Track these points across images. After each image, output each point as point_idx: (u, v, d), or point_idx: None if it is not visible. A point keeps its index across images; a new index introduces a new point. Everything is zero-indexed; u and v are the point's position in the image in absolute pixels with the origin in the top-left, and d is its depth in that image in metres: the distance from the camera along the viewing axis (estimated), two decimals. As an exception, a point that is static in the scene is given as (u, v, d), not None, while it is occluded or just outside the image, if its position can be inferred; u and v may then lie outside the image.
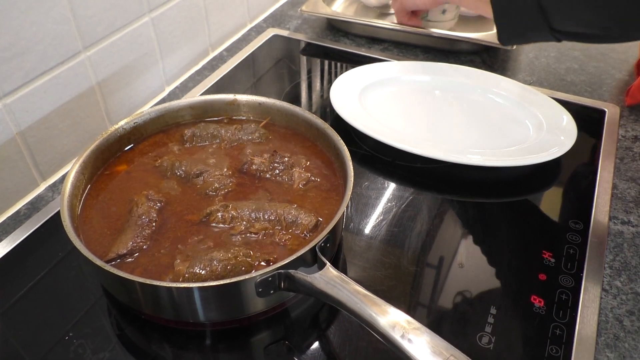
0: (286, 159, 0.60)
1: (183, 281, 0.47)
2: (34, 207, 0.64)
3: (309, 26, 1.00)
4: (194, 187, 0.58)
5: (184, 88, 0.84)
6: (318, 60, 0.92)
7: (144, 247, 0.51)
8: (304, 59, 0.93)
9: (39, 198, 0.65)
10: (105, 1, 0.66)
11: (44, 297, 0.53)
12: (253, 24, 1.01)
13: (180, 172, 0.59)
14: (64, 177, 0.68)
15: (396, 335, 0.39)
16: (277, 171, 0.59)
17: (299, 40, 0.96)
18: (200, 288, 0.44)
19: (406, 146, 0.66)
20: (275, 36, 0.97)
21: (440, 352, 0.39)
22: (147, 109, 0.63)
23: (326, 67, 0.90)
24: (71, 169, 0.54)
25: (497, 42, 0.73)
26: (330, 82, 0.85)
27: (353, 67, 0.82)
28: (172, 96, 0.82)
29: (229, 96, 0.66)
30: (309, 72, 0.89)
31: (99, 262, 0.45)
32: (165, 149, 0.63)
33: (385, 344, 0.40)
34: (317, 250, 0.47)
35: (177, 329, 0.51)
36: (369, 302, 0.42)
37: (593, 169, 0.68)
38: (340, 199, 0.56)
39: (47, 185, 0.66)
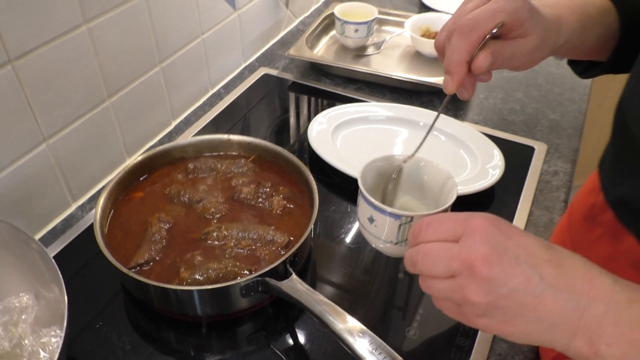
0: (267, 189, 0.76)
1: (186, 285, 0.63)
2: (67, 223, 0.80)
3: (295, 66, 1.17)
4: (195, 211, 0.74)
5: (188, 122, 1.00)
6: (302, 97, 1.09)
7: (157, 258, 0.67)
8: (290, 95, 1.10)
9: (70, 216, 0.81)
10: (125, 57, 0.82)
11: (77, 293, 0.69)
12: (247, 63, 1.17)
13: (185, 198, 0.75)
14: (91, 199, 0.84)
15: (342, 332, 0.55)
16: (260, 199, 0.75)
17: (286, 80, 1.12)
18: (198, 290, 0.60)
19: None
20: (265, 75, 1.13)
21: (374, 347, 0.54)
22: (159, 147, 0.80)
23: (309, 103, 1.07)
24: (100, 197, 0.70)
25: None
26: (310, 118, 1.02)
27: (331, 103, 0.99)
28: (177, 129, 0.99)
29: (224, 136, 0.82)
30: (296, 107, 1.06)
31: (124, 270, 0.61)
32: (172, 179, 0.79)
33: (334, 337, 0.57)
34: (287, 263, 0.63)
35: (180, 320, 0.67)
36: (320, 301, 0.58)
37: (517, 199, 0.84)
38: (308, 222, 0.72)
39: (77, 205, 0.83)
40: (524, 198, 0.84)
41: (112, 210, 0.73)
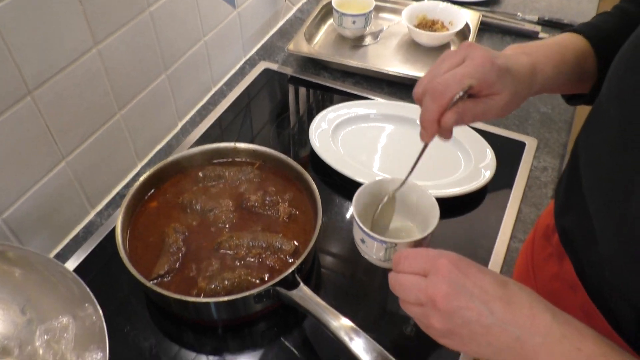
0: (273, 197, 0.81)
1: (205, 294, 0.70)
2: (87, 230, 0.86)
3: (294, 58, 1.20)
4: (207, 220, 0.80)
5: (193, 122, 1.05)
6: (302, 91, 1.13)
7: (176, 268, 0.74)
8: (291, 89, 1.13)
9: (90, 223, 0.87)
10: (133, 71, 0.86)
11: (103, 299, 0.76)
12: (247, 57, 1.20)
13: (197, 207, 0.81)
14: (107, 205, 0.89)
15: (342, 335, 0.62)
16: (267, 207, 0.81)
17: (285, 74, 1.16)
18: (215, 302, 0.67)
19: (363, 180, 0.88)
20: (266, 69, 1.17)
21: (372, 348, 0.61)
22: (170, 158, 0.84)
23: (309, 98, 1.11)
24: (119, 212, 0.76)
25: None
26: (310, 113, 1.06)
27: (330, 97, 1.03)
28: (184, 130, 1.03)
29: (230, 144, 0.87)
30: (297, 102, 1.10)
31: (148, 284, 0.68)
32: (183, 188, 0.84)
33: (334, 339, 0.64)
34: (295, 273, 0.70)
35: (197, 324, 0.74)
36: (326, 311, 0.65)
37: (507, 196, 0.90)
38: (313, 229, 0.78)
39: (95, 212, 0.88)
40: (514, 195, 0.90)
41: (130, 223, 0.79)
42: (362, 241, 0.64)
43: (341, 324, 0.63)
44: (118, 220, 0.75)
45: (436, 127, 0.54)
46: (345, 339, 0.62)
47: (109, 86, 0.82)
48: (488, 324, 0.45)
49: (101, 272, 0.80)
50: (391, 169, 0.93)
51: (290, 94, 1.13)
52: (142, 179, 0.81)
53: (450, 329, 0.47)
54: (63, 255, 0.82)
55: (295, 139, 1.03)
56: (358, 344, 0.62)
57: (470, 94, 0.53)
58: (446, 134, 0.55)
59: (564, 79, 0.59)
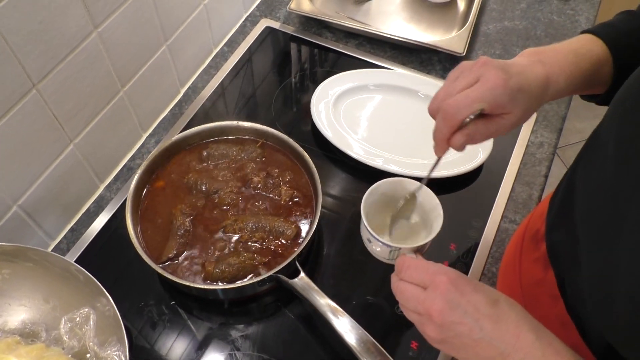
0: (275, 179, 0.84)
1: (212, 278, 0.75)
2: (98, 205, 0.90)
3: (296, 15, 1.17)
4: (212, 201, 0.83)
5: (195, 89, 1.05)
6: (304, 49, 1.12)
7: (184, 251, 0.78)
8: (293, 47, 1.12)
9: (100, 197, 0.91)
10: (134, 47, 0.85)
11: (117, 276, 0.82)
12: (248, 13, 1.17)
13: (202, 188, 0.84)
14: (115, 178, 0.93)
15: (339, 329, 0.68)
16: (269, 188, 0.84)
17: (287, 33, 1.14)
18: (222, 289, 0.73)
19: (363, 158, 0.90)
20: (267, 28, 1.14)
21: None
22: (174, 137, 0.86)
23: (312, 59, 1.10)
24: (128, 196, 0.79)
25: (449, 48, 0.97)
26: (313, 76, 1.06)
27: (333, 58, 1.02)
28: (186, 97, 1.04)
29: (233, 123, 0.89)
30: (299, 61, 1.09)
31: (159, 269, 0.73)
32: (189, 167, 0.87)
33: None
34: (296, 261, 0.75)
35: (206, 299, 0.80)
36: (325, 304, 0.70)
37: (502, 174, 0.93)
38: (313, 212, 0.82)
39: (104, 186, 0.92)
40: (508, 173, 0.92)
41: (139, 204, 0.82)
42: (369, 241, 0.68)
43: (339, 320, 0.69)
44: (128, 206, 0.78)
45: (446, 145, 0.57)
46: (342, 334, 0.68)
47: (111, 66, 0.82)
48: (477, 338, 0.50)
49: (113, 250, 0.85)
50: (393, 145, 0.94)
51: (292, 55, 1.12)
52: (146, 162, 0.83)
53: (443, 339, 0.52)
54: (77, 230, 0.87)
55: (298, 107, 1.03)
56: (355, 340, 0.68)
57: (481, 114, 0.55)
58: (458, 149, 0.57)
59: (576, 88, 0.59)
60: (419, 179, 0.69)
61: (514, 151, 0.95)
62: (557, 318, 0.59)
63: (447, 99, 0.54)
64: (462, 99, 0.53)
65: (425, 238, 0.66)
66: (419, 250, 0.65)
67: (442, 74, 1.07)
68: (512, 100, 0.53)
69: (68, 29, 0.72)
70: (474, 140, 0.56)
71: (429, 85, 1.01)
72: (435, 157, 0.60)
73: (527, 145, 0.96)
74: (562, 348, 0.49)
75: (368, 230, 0.65)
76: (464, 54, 1.05)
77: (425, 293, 0.53)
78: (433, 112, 0.57)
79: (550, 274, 0.62)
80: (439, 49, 1.05)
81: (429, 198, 0.69)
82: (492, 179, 0.92)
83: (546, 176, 0.93)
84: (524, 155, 0.95)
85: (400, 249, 0.64)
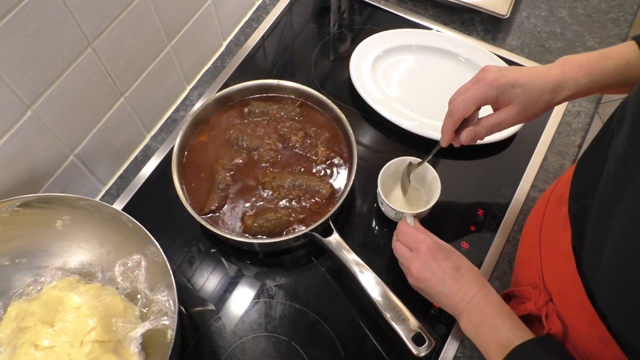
0: (312, 139, 0.88)
1: (251, 231, 0.80)
2: (145, 154, 0.95)
3: (339, -34, 1.15)
4: (252, 158, 0.88)
5: (237, 42, 1.07)
6: (344, 4, 1.12)
7: (225, 204, 0.84)
8: (333, 2, 1.12)
9: (147, 147, 0.96)
10: (181, 4, 0.87)
11: (164, 225, 0.88)
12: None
13: (243, 144, 0.88)
14: (161, 129, 0.97)
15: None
16: (306, 148, 0.88)
17: (329, -13, 1.13)
18: (259, 244, 0.78)
19: (399, 121, 0.93)
20: (309, -20, 1.14)
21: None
22: (216, 93, 0.90)
23: (354, 14, 1.10)
24: (173, 152, 0.84)
25: (492, 9, 1.00)
26: (353, 33, 1.06)
27: (373, 16, 1.02)
28: (228, 50, 1.06)
29: (274, 81, 0.91)
30: (340, 18, 1.09)
31: (202, 221, 0.79)
32: (230, 123, 0.91)
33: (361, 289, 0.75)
34: (330, 220, 0.79)
35: (243, 249, 0.86)
36: (354, 261, 0.76)
37: (536, 141, 0.94)
38: (348, 173, 0.85)
39: (150, 135, 0.97)
40: (541, 142, 0.93)
41: (184, 156, 0.87)
42: (382, 203, 0.84)
43: (365, 275, 0.75)
44: (173, 161, 0.83)
45: (452, 137, 0.71)
46: (367, 289, 0.74)
47: (159, 23, 0.85)
48: (440, 291, 0.71)
49: (160, 193, 0.91)
50: (431, 109, 0.96)
51: (331, 10, 1.12)
52: (190, 117, 0.87)
53: (418, 287, 0.75)
54: (126, 177, 0.93)
55: (337, 65, 1.05)
56: (379, 295, 0.73)
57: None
58: (463, 143, 0.71)
59: (600, 86, 0.61)
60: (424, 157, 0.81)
61: (549, 120, 0.96)
62: (569, 277, 0.62)
63: (453, 98, 0.69)
64: (462, 100, 0.67)
65: (424, 206, 0.81)
66: (417, 216, 0.80)
67: (484, 35, 1.06)
68: (504, 93, 0.64)
69: (120, -12, 0.74)
70: (478, 136, 0.68)
71: (470, 48, 1.01)
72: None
73: (564, 114, 0.96)
74: (497, 302, 0.66)
75: (380, 195, 0.80)
76: (507, 15, 1.03)
77: (410, 254, 0.74)
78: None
79: (567, 234, 0.64)
80: (482, 10, 1.03)
81: (430, 174, 0.83)
82: (526, 147, 0.94)
83: (580, 147, 0.94)
84: (559, 125, 0.95)
85: (403, 213, 0.80)
